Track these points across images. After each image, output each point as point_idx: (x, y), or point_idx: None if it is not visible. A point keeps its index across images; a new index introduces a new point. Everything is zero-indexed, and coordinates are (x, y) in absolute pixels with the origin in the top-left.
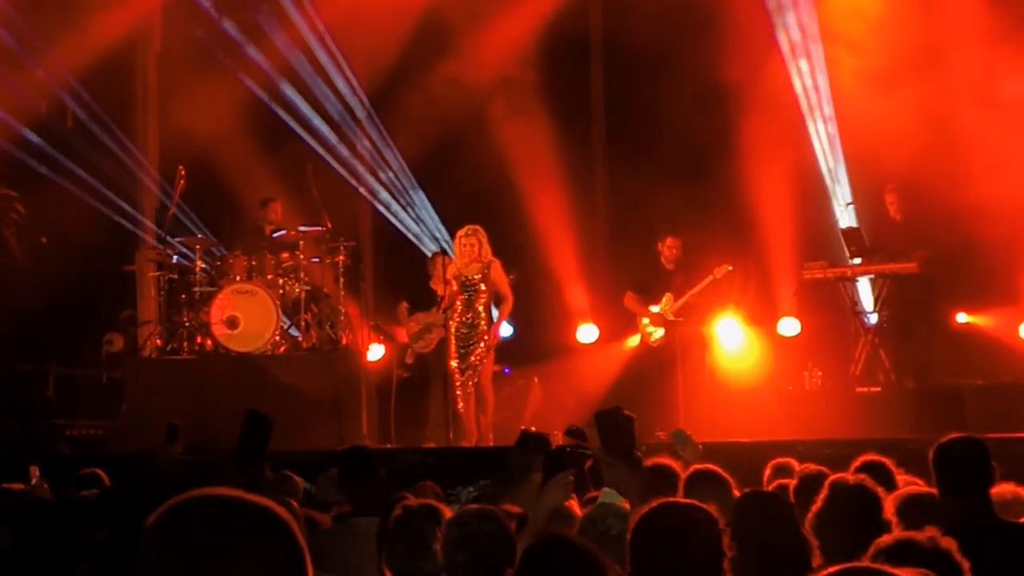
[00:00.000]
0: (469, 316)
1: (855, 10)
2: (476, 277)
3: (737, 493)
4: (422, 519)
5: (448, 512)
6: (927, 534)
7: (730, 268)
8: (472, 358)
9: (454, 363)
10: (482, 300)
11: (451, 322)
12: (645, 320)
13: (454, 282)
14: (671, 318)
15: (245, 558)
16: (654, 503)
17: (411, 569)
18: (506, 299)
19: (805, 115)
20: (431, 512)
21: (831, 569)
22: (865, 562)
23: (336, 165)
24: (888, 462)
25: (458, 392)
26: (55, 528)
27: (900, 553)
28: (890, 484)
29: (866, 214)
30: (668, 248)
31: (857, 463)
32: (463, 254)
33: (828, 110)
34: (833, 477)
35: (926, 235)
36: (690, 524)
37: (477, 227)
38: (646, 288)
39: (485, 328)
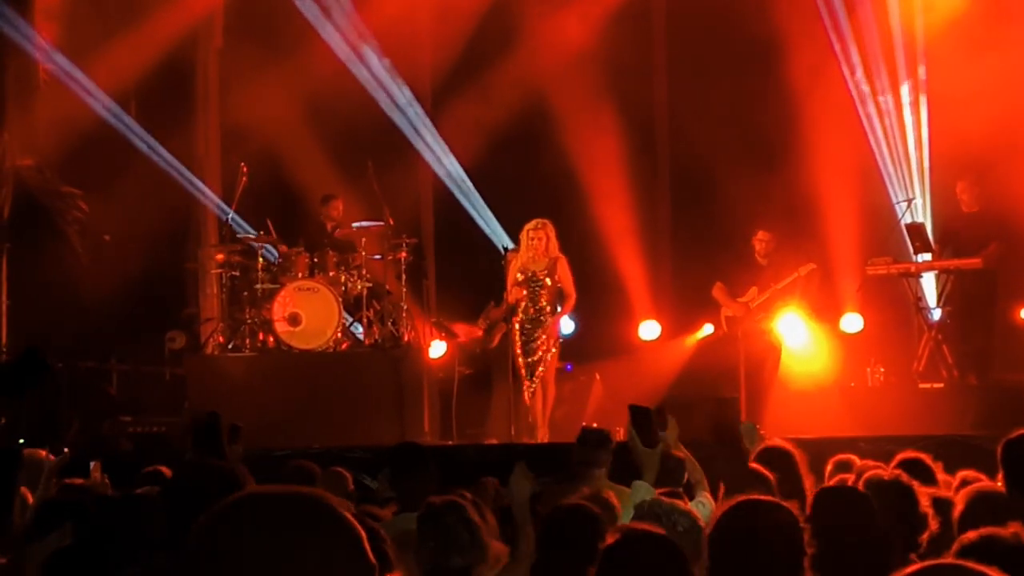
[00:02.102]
0: (533, 311)
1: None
2: (542, 272)
3: (805, 473)
4: (448, 515)
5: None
6: (1011, 530)
7: (814, 266)
8: (537, 354)
9: (520, 359)
10: (547, 295)
11: (515, 317)
12: (728, 312)
13: (520, 276)
14: (753, 309)
15: (302, 555)
16: (735, 501)
17: (440, 566)
18: (569, 296)
19: (866, 108)
20: (456, 507)
21: (911, 568)
22: (948, 559)
23: (395, 165)
24: (927, 458)
25: (525, 387)
26: (115, 525)
27: (984, 549)
28: (930, 480)
29: (938, 206)
30: (758, 242)
31: (896, 460)
32: (530, 248)
33: (894, 101)
34: (868, 474)
35: (997, 228)
36: (771, 522)
37: (546, 221)
38: (735, 280)
39: (551, 325)
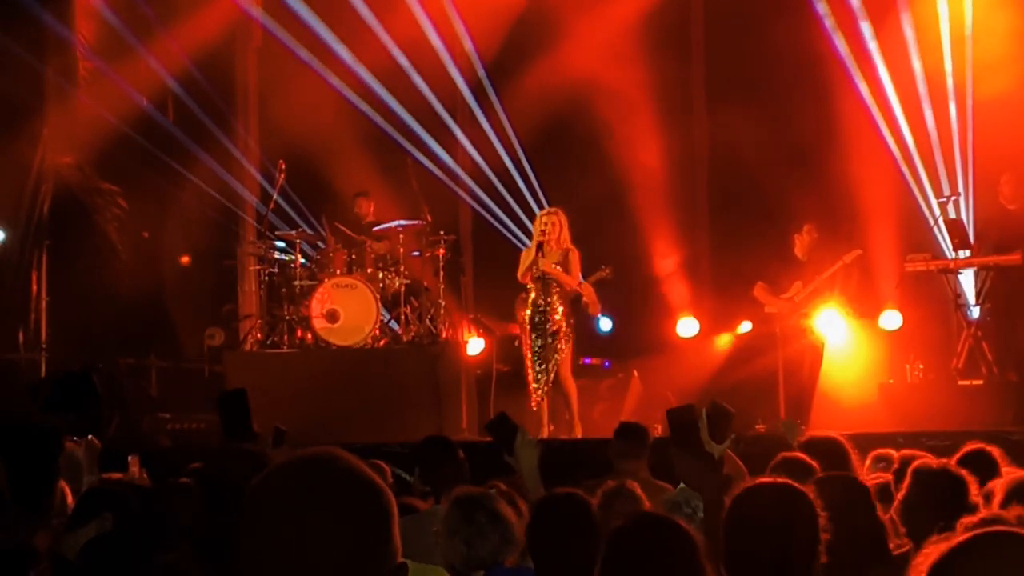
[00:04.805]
0: (542, 303)
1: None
2: (554, 263)
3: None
4: (476, 507)
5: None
6: (1016, 512)
7: (860, 252)
8: (550, 350)
9: (528, 353)
10: (558, 289)
11: (525, 310)
12: (771, 310)
13: (533, 269)
14: (798, 303)
15: (329, 519)
16: (750, 482)
17: (468, 557)
18: (573, 279)
19: (905, 105)
20: (483, 499)
21: (964, 535)
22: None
23: (433, 162)
24: (993, 450)
25: (532, 385)
26: (153, 512)
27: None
28: (993, 473)
29: (978, 203)
30: (806, 234)
31: (961, 453)
32: (541, 236)
33: (935, 97)
34: (916, 463)
35: None
36: (788, 505)
37: (558, 209)
38: (776, 278)
39: (560, 318)
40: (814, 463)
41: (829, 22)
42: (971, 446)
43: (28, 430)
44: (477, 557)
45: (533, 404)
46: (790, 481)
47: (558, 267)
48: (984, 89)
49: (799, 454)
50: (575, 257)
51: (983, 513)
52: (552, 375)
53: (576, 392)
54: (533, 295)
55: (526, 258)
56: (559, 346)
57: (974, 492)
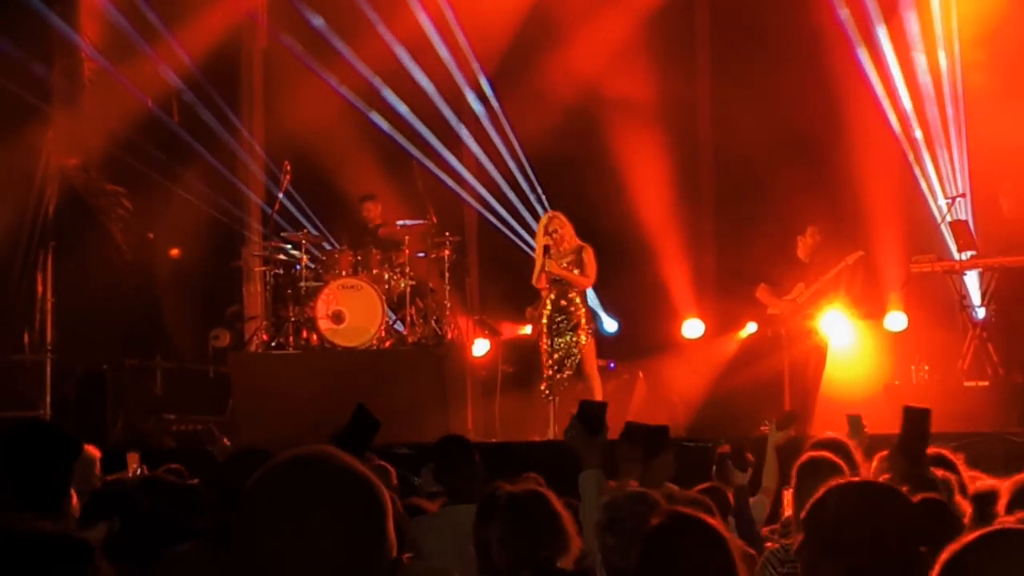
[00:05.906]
0: (564, 302)
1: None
2: (569, 264)
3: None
4: (532, 506)
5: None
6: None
7: (862, 253)
8: (570, 348)
9: (548, 355)
10: (570, 285)
11: (543, 311)
12: (774, 311)
13: (549, 268)
14: (800, 304)
15: (323, 516)
16: (835, 481)
17: (524, 557)
18: (588, 279)
19: (910, 105)
20: (540, 498)
21: (972, 535)
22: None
23: (438, 164)
24: (947, 452)
25: (544, 389)
26: (158, 513)
27: None
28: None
29: (981, 204)
30: (809, 236)
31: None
32: (552, 242)
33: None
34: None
35: None
36: (884, 504)
37: (556, 212)
38: (780, 280)
39: (579, 313)
40: (841, 462)
41: (841, 14)
42: (929, 450)
43: (46, 433)
44: (508, 557)
45: (551, 399)
46: (878, 481)
47: (568, 267)
48: (975, 86)
49: (824, 453)
50: (590, 255)
51: (1020, 514)
52: (573, 371)
53: (601, 385)
54: (553, 295)
55: (538, 263)
56: (581, 340)
57: (1004, 497)
